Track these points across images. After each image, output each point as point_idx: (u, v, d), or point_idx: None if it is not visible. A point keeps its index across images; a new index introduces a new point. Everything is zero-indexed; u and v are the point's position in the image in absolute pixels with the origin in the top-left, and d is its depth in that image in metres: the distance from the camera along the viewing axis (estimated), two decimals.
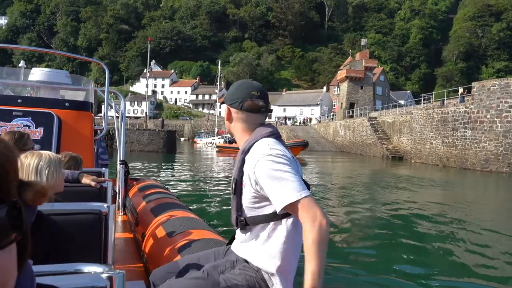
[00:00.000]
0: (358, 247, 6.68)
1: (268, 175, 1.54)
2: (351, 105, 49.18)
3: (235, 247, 1.80)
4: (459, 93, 25.58)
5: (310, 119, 62.88)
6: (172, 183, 13.59)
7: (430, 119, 26.56)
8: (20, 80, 5.31)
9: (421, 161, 27.75)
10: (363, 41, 59.34)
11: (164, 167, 20.07)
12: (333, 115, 58.91)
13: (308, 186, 1.62)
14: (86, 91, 5.34)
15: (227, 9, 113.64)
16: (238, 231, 1.78)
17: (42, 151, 1.83)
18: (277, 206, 1.52)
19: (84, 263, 1.07)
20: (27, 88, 5.40)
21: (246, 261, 1.71)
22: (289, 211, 1.52)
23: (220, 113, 64.11)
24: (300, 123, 64.64)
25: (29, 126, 4.13)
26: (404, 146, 31.45)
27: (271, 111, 1.84)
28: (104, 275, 1.00)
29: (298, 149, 29.09)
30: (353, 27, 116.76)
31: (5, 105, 4.20)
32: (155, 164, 20.86)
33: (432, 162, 26.28)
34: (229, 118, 1.79)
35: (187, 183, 14.23)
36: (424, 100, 30.89)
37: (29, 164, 1.73)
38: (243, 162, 1.67)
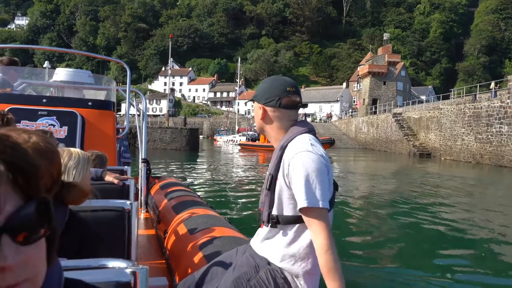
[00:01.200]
0: (380, 251, 6.23)
1: (301, 170, 1.53)
2: (374, 101, 48.20)
3: (256, 244, 1.77)
4: (491, 88, 24.70)
5: (331, 115, 62.00)
6: (195, 181, 13.33)
7: (461, 115, 25.71)
8: (45, 80, 5.42)
9: (452, 158, 26.92)
10: (385, 36, 58.25)
11: (187, 166, 19.79)
12: (352, 112, 58.04)
13: (336, 186, 1.68)
14: (108, 90, 5.40)
15: (244, 6, 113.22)
16: (261, 229, 1.75)
17: (72, 149, 1.82)
18: (298, 204, 1.53)
19: (109, 259, 1.09)
20: (50, 88, 5.44)
21: (268, 262, 1.68)
22: (303, 214, 1.54)
23: (238, 111, 63.79)
24: (320, 119, 63.88)
25: (53, 125, 4.22)
26: (432, 143, 30.60)
27: (306, 106, 1.84)
28: (128, 270, 1.02)
29: (324, 147, 28.51)
30: (372, 22, 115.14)
31: (31, 105, 4.29)
32: (178, 163, 20.59)
33: (464, 159, 25.44)
34: (264, 117, 1.74)
35: (210, 181, 13.92)
36: (453, 95, 29.98)
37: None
38: (280, 158, 1.64)
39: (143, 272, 1.02)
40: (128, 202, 2.04)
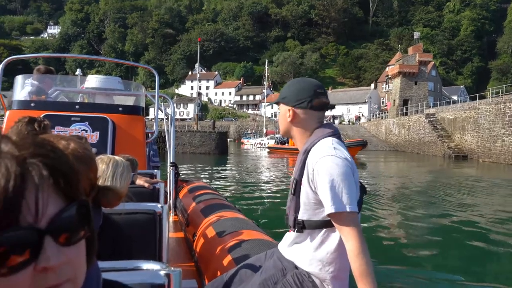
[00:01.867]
0: (414, 256, 5.94)
1: (326, 175, 1.51)
2: (405, 102, 46.99)
3: (284, 249, 1.76)
4: None
5: (359, 117, 60.96)
6: (224, 185, 13.14)
7: (501, 115, 24.63)
8: (77, 87, 5.58)
9: (491, 160, 25.83)
10: (416, 35, 56.82)
11: (217, 170, 19.64)
12: (380, 113, 56.84)
13: (364, 189, 1.67)
14: (137, 96, 5.50)
15: (269, 9, 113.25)
16: (289, 233, 1.74)
17: (116, 157, 1.92)
18: (325, 210, 1.52)
19: (143, 260, 1.11)
20: (80, 94, 5.57)
21: (295, 266, 1.67)
22: (332, 219, 1.53)
23: (265, 113, 63.61)
24: (348, 121, 62.92)
25: (86, 131, 4.33)
26: (468, 144, 29.51)
27: (333, 107, 1.85)
28: (162, 272, 1.03)
29: (356, 149, 27.98)
30: (399, 22, 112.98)
31: (64, 111, 4.42)
32: (207, 167, 20.48)
33: (505, 161, 24.34)
34: (294, 119, 1.72)
35: (239, 185, 13.72)
36: (490, 94, 28.82)
37: (106, 169, 1.81)
38: (304, 162, 1.63)
39: (176, 274, 1.03)
40: (159, 205, 2.05)
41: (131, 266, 1.09)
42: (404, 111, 43.41)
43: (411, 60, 47.15)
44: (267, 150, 37.83)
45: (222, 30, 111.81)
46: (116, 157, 1.94)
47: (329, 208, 1.49)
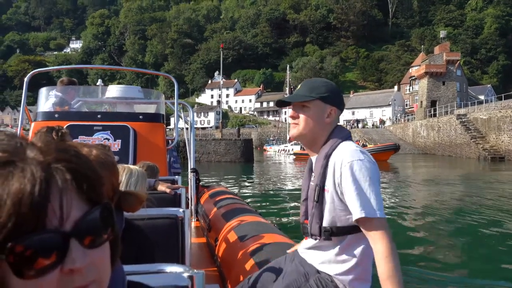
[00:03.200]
0: (443, 263, 5.58)
1: (355, 180, 1.49)
2: (432, 103, 45.59)
3: (305, 252, 1.73)
4: None
5: (384, 121, 59.61)
6: (253, 194, 12.68)
7: None
8: (99, 97, 5.69)
9: None
10: (442, 33, 55.34)
11: (243, 179, 19.03)
12: (405, 115, 55.44)
13: None
14: (157, 104, 5.58)
15: (287, 15, 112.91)
16: (309, 239, 1.71)
17: (131, 166, 1.97)
18: (353, 215, 1.49)
19: (166, 264, 1.14)
20: (104, 104, 5.67)
21: (317, 270, 1.65)
22: (360, 225, 1.51)
23: (286, 119, 62.90)
24: (373, 125, 61.63)
25: (108, 139, 4.41)
26: (505, 145, 28.18)
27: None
28: (185, 275, 1.04)
29: (389, 153, 27.11)
30: (420, 22, 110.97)
31: (87, 121, 4.53)
32: (233, 176, 19.86)
33: None
34: (332, 120, 1.69)
35: (269, 194, 13.16)
36: None
37: (121, 178, 1.84)
38: (326, 167, 1.59)
39: (199, 276, 1.04)
40: (180, 210, 2.07)
41: (154, 269, 1.10)
42: (432, 112, 42.08)
43: (437, 60, 45.76)
44: (292, 156, 37.08)
45: (240, 38, 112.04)
46: (132, 166, 1.95)
47: (357, 213, 1.46)
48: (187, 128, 5.78)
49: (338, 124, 1.73)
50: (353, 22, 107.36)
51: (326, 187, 1.58)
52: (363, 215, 1.45)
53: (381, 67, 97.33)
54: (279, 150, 47.98)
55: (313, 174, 1.68)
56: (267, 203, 10.95)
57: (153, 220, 1.96)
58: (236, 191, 13.16)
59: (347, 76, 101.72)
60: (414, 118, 49.35)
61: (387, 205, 10.21)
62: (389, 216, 8.71)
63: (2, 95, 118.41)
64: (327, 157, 1.59)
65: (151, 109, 5.54)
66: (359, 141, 33.66)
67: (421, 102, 47.92)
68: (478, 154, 29.87)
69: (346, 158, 1.52)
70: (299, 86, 1.75)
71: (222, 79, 41.69)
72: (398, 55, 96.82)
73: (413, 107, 63.35)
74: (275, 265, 1.89)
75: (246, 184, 16.51)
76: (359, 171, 1.49)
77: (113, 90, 5.28)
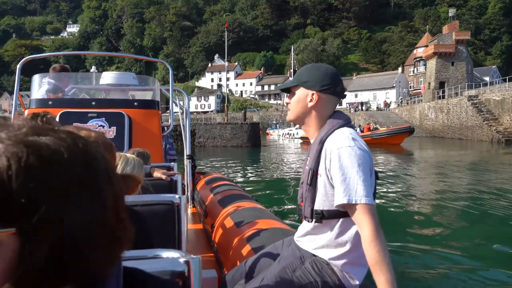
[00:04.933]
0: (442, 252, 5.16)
1: (342, 166, 1.52)
2: (441, 85, 44.55)
3: (300, 239, 1.77)
4: None
5: (389, 103, 58.67)
6: (258, 181, 11.93)
7: None
8: (93, 84, 5.65)
9: None
10: (451, 12, 53.72)
11: (250, 164, 18.20)
12: (411, 97, 54.50)
13: (376, 175, 1.65)
14: (152, 91, 5.52)
15: None
16: (304, 223, 1.75)
17: (127, 154, 2.00)
18: (336, 200, 1.53)
19: (162, 249, 1.14)
20: (105, 91, 5.58)
21: (313, 254, 1.69)
22: (347, 210, 1.54)
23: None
24: (377, 107, 60.73)
25: (103, 126, 4.39)
26: None
27: (345, 96, 1.87)
28: (182, 260, 1.05)
29: (402, 136, 26.29)
30: (422, 3, 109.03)
31: (82, 108, 4.51)
32: (239, 162, 19.00)
33: None
34: (316, 105, 1.70)
35: (275, 180, 12.39)
36: None
37: (116, 166, 1.87)
38: (320, 152, 1.63)
39: (196, 261, 1.05)
40: (176, 196, 2.08)
41: (151, 254, 1.11)
42: (441, 94, 41.16)
43: (446, 40, 44.55)
44: (299, 141, 36.25)
45: (240, 20, 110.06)
46: (128, 155, 1.95)
47: (340, 199, 1.50)
48: (181, 112, 5.75)
49: (337, 110, 1.74)
50: (355, 3, 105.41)
51: (319, 172, 1.62)
52: (345, 201, 1.48)
53: (383, 48, 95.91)
54: (283, 134, 47.21)
55: (308, 158, 1.72)
56: (272, 190, 10.44)
57: (149, 206, 1.96)
58: (242, 178, 12.74)
59: (349, 58, 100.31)
60: (421, 100, 48.44)
61: (398, 191, 9.78)
62: (401, 202, 8.37)
63: (0, 80, 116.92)
64: (322, 142, 1.63)
65: (148, 95, 5.50)
66: (369, 124, 32.83)
67: (429, 83, 46.84)
68: (491, 136, 29.13)
69: (336, 144, 1.56)
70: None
71: (226, 61, 40.52)
72: (401, 36, 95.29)
73: (417, 89, 62.43)
74: (272, 249, 1.94)
75: (253, 169, 15.70)
76: (347, 157, 1.51)
77: (108, 77, 5.23)
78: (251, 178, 12.96)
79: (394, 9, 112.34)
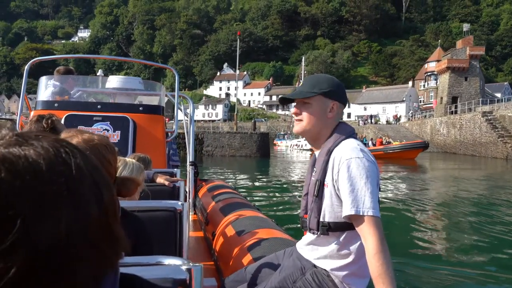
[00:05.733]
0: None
1: (351, 177, 1.52)
2: (453, 100, 43.81)
3: (302, 249, 1.76)
4: None
5: (399, 117, 57.93)
6: (269, 194, 11.38)
7: None
8: (99, 87, 5.63)
9: None
10: (465, 27, 53.29)
11: (258, 176, 17.57)
12: (421, 112, 53.73)
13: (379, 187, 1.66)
14: (157, 95, 5.51)
15: (298, 7, 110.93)
16: (308, 234, 1.74)
17: (126, 158, 1.99)
18: (344, 211, 1.52)
19: (164, 256, 1.13)
20: (110, 95, 5.55)
21: (314, 265, 1.68)
22: (353, 222, 1.54)
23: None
24: (387, 121, 60.00)
25: (107, 130, 4.37)
26: None
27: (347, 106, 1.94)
28: (184, 268, 1.04)
29: (417, 151, 25.60)
30: (434, 17, 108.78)
31: (87, 111, 4.48)
32: (247, 173, 18.35)
33: None
34: (334, 115, 1.70)
35: (287, 194, 11.70)
36: None
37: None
38: (327, 163, 1.62)
39: (198, 269, 1.04)
40: (179, 203, 2.06)
41: (153, 261, 1.10)
42: (454, 109, 40.44)
43: (460, 54, 43.94)
44: (309, 152, 35.66)
45: (250, 30, 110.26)
46: (127, 159, 1.96)
47: (348, 210, 1.49)
48: (186, 120, 5.76)
49: (341, 121, 1.75)
50: (366, 16, 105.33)
51: (326, 182, 1.61)
52: (352, 212, 1.47)
53: (393, 62, 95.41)
54: (291, 145, 46.63)
55: (314, 169, 1.70)
56: (279, 200, 10.23)
57: (151, 212, 1.94)
58: (250, 188, 12.39)
59: (359, 71, 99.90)
60: (432, 114, 47.69)
61: (411, 204, 9.70)
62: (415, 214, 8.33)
63: (9, 83, 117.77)
64: (329, 153, 1.61)
65: (155, 101, 5.47)
66: (382, 138, 32.15)
67: (441, 98, 46.09)
68: (507, 154, 28.35)
69: (344, 155, 1.55)
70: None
71: (238, 69, 40.17)
72: (412, 50, 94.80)
73: (428, 104, 61.70)
74: (273, 258, 1.92)
75: (262, 180, 15.15)
76: (356, 168, 1.51)
77: (114, 81, 5.21)
78: (259, 188, 12.55)
79: (405, 23, 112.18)
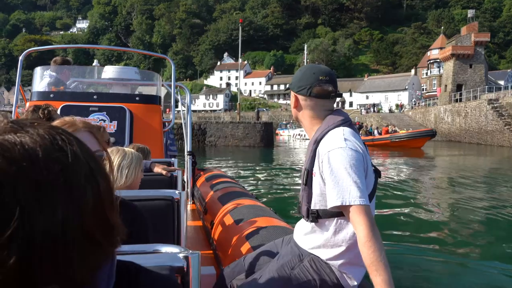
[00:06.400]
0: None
1: (333, 169, 1.50)
2: (458, 87, 43.25)
3: (299, 238, 1.77)
4: None
5: (402, 105, 57.42)
6: (272, 183, 11.23)
7: None
8: (94, 78, 5.61)
9: None
10: (470, 13, 52.25)
11: (263, 165, 17.23)
12: (424, 100, 53.24)
13: (378, 173, 1.68)
14: (153, 85, 5.52)
15: None
16: (302, 222, 1.77)
17: (125, 148, 1.99)
18: (329, 202, 1.51)
19: (162, 244, 1.14)
20: (107, 85, 5.54)
21: (311, 253, 1.70)
22: (342, 211, 1.53)
23: None
24: (390, 109, 59.53)
25: (104, 120, 4.35)
26: None
27: (340, 95, 1.81)
28: (181, 255, 1.05)
29: (424, 140, 25.26)
30: (435, 4, 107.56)
31: (83, 101, 4.47)
32: (250, 165, 17.99)
33: None
34: (297, 105, 1.73)
35: (289, 183, 11.52)
36: None
37: (114, 160, 1.85)
38: (315, 152, 1.63)
39: (195, 257, 1.05)
40: (177, 192, 2.07)
41: (150, 249, 1.11)
42: (458, 97, 39.95)
43: (465, 41, 43.25)
44: None
45: (250, 19, 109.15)
46: (126, 149, 1.95)
47: (333, 201, 1.48)
48: (183, 110, 5.76)
49: (337, 109, 1.74)
50: (367, 3, 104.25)
51: (314, 171, 1.62)
52: (338, 203, 1.47)
53: (395, 50, 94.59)
54: (294, 134, 46.31)
55: (304, 158, 1.73)
56: (282, 190, 10.06)
57: (149, 201, 1.94)
58: (253, 176, 12.35)
59: (360, 59, 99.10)
60: (436, 103, 47.20)
61: (413, 196, 9.49)
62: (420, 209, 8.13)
63: (9, 75, 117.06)
64: (317, 142, 1.62)
65: (153, 91, 5.46)
66: (388, 126, 31.77)
67: (446, 85, 45.52)
68: None
69: (327, 147, 1.55)
70: None
71: (240, 57, 39.65)
72: (414, 38, 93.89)
73: (430, 92, 61.13)
74: (271, 247, 1.94)
75: (266, 170, 14.90)
76: (337, 159, 1.50)
77: (109, 71, 5.18)
78: (263, 178, 12.38)
79: (406, 10, 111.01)
